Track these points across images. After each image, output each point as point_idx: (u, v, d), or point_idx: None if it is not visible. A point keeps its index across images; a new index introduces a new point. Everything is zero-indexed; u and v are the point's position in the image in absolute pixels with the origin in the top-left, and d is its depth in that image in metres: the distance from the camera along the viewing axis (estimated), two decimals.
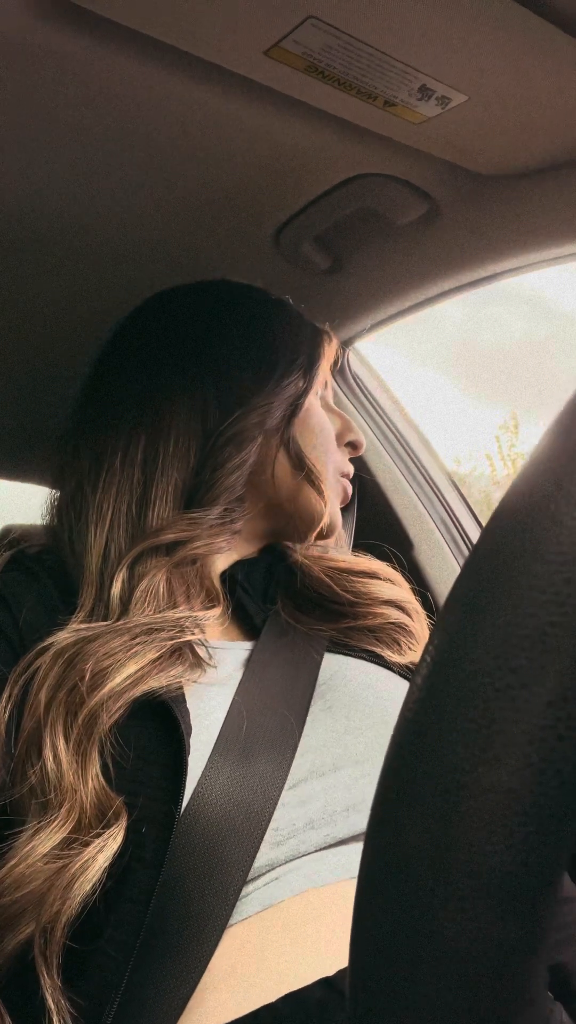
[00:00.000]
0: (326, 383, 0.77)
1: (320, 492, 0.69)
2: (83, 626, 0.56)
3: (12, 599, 0.60)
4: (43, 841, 0.47)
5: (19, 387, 1.02)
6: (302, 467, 0.69)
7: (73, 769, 0.49)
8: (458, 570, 1.01)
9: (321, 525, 0.71)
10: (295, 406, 0.70)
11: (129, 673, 0.52)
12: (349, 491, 0.77)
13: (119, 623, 0.56)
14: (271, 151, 0.70)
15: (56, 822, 0.48)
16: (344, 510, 0.89)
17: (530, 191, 0.72)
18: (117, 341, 0.75)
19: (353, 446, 0.77)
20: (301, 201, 0.79)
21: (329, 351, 0.76)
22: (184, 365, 0.69)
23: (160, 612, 0.58)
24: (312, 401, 0.72)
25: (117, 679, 0.52)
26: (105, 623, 0.57)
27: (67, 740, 0.50)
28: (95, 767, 0.50)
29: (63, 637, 0.55)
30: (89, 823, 0.48)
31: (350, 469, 0.77)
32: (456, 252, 0.83)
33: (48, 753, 0.50)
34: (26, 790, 0.50)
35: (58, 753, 0.50)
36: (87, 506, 0.65)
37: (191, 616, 0.58)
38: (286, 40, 0.55)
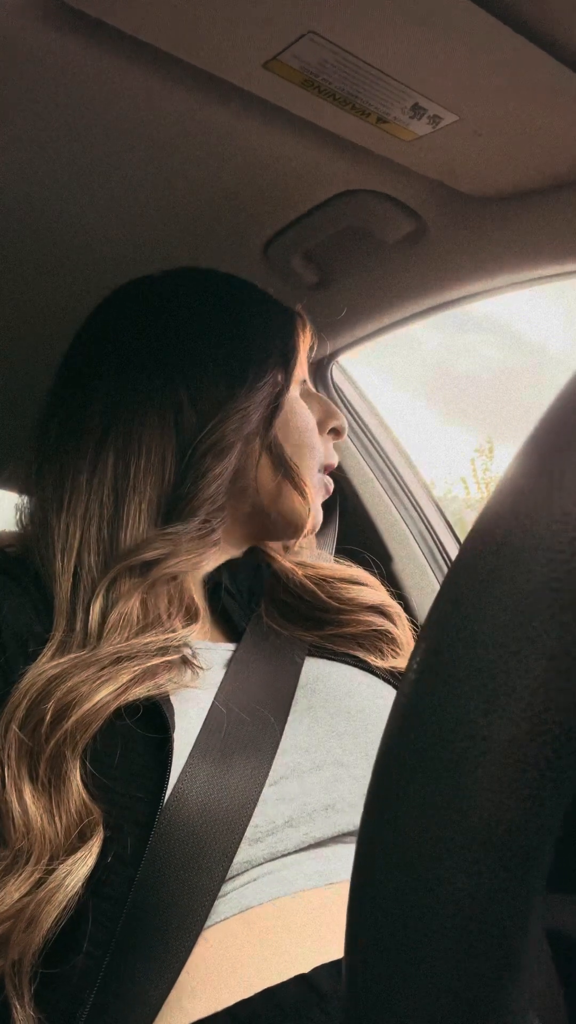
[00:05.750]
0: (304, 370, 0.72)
1: (303, 493, 0.66)
2: (51, 664, 0.53)
3: None
4: (9, 894, 0.45)
5: (19, 387, 1.02)
6: (285, 469, 0.66)
7: (43, 810, 0.47)
8: (435, 581, 1.02)
9: (307, 526, 0.68)
10: (275, 405, 0.66)
11: (99, 699, 0.50)
12: (331, 487, 0.73)
13: (85, 654, 0.53)
14: (264, 163, 0.72)
15: (24, 873, 0.46)
16: (326, 518, 0.89)
17: (516, 213, 0.74)
18: (78, 346, 0.70)
19: (336, 432, 0.73)
20: (291, 215, 0.80)
21: (305, 337, 0.71)
22: (152, 368, 0.65)
23: (129, 640, 0.55)
24: (292, 394, 0.69)
25: (86, 706, 0.50)
26: (73, 656, 0.54)
27: (33, 781, 0.48)
28: (74, 786, 0.48)
29: (30, 676, 0.52)
30: (62, 851, 0.47)
31: (334, 460, 0.73)
32: (442, 271, 0.85)
33: (13, 798, 0.48)
34: None
35: (24, 798, 0.48)
36: (52, 532, 0.61)
37: (161, 640, 0.55)
38: (284, 54, 0.56)
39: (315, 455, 0.69)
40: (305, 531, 0.70)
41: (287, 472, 0.66)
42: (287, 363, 0.67)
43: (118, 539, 0.60)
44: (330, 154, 0.70)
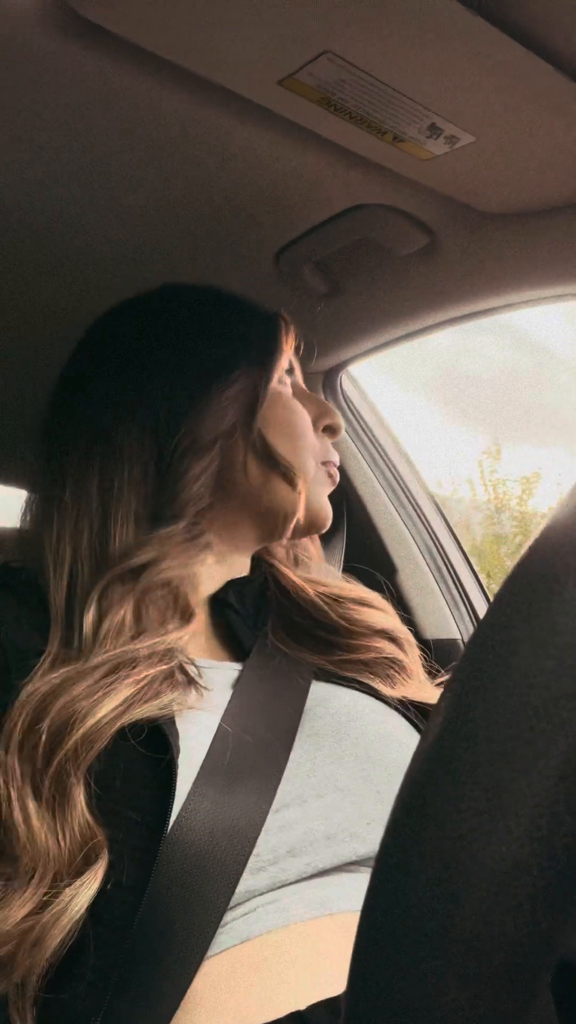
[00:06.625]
0: (292, 369, 0.73)
1: (292, 483, 0.66)
2: (45, 679, 0.53)
3: None
4: (14, 911, 0.45)
5: (18, 387, 1.02)
6: (274, 464, 0.66)
7: (47, 828, 0.47)
8: (439, 595, 1.01)
9: (306, 517, 0.68)
10: (254, 401, 0.67)
11: (101, 716, 0.50)
12: (336, 477, 0.73)
13: (79, 666, 0.54)
14: (277, 174, 0.71)
15: (29, 890, 0.46)
16: (334, 530, 0.88)
17: (530, 231, 0.73)
18: (66, 374, 0.72)
19: (331, 430, 0.73)
20: (304, 225, 0.80)
21: (288, 338, 0.72)
22: (132, 385, 0.67)
23: (123, 647, 0.55)
24: (277, 391, 0.69)
25: (89, 722, 0.50)
26: (67, 668, 0.54)
27: (38, 799, 0.48)
28: (78, 806, 0.48)
29: (26, 691, 0.52)
30: (66, 873, 0.46)
31: (333, 456, 0.73)
32: (453, 286, 0.84)
33: (18, 816, 0.48)
34: None
35: (28, 815, 0.48)
36: (45, 545, 0.63)
37: (155, 643, 0.56)
38: (301, 72, 0.55)
39: (309, 449, 0.70)
40: (308, 522, 0.69)
41: (274, 463, 0.66)
42: (265, 362, 0.69)
43: (108, 549, 0.61)
44: (344, 168, 0.69)
